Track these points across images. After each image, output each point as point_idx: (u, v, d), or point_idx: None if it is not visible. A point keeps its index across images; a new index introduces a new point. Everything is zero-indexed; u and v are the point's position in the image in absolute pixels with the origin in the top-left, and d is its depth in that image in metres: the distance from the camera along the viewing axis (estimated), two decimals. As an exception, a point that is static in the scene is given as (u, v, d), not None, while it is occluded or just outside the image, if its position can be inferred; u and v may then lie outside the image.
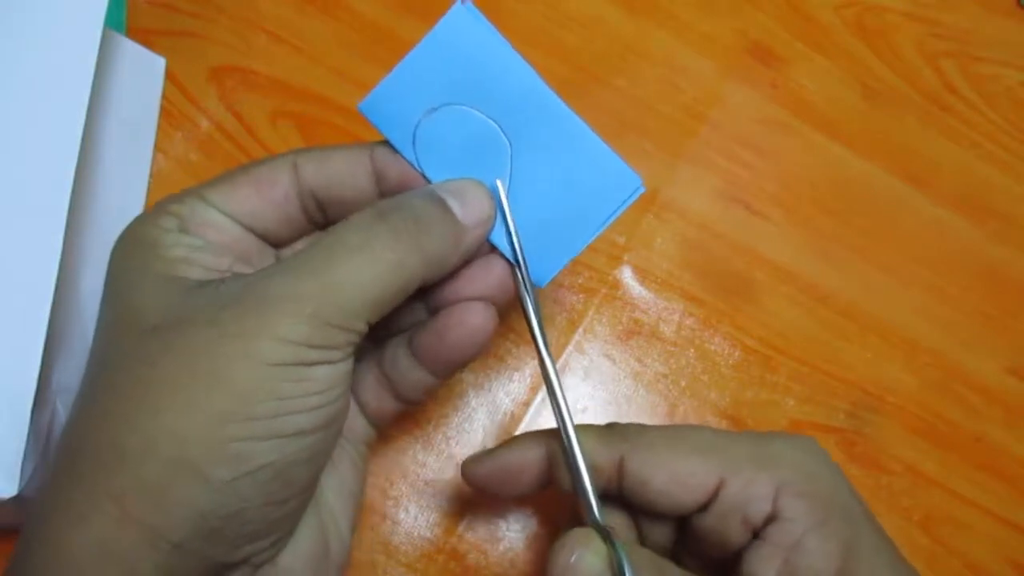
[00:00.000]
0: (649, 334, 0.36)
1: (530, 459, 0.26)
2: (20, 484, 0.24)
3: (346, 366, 0.21)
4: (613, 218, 0.25)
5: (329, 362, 0.20)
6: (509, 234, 0.24)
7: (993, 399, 0.37)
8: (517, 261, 0.25)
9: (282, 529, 0.21)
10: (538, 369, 0.35)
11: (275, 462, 0.19)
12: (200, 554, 0.19)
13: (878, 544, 0.23)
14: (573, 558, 0.21)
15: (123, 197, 0.34)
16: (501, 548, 0.32)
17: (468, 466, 0.26)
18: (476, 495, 0.32)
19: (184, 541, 0.19)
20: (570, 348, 0.35)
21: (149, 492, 0.18)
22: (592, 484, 0.23)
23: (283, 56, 0.37)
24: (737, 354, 0.36)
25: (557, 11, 0.40)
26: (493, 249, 0.25)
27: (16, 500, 0.25)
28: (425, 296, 0.25)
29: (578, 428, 0.24)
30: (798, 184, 0.39)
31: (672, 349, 0.36)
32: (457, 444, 0.33)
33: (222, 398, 0.19)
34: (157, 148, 0.36)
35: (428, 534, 0.32)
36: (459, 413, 0.34)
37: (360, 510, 0.27)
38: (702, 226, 0.38)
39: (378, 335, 0.25)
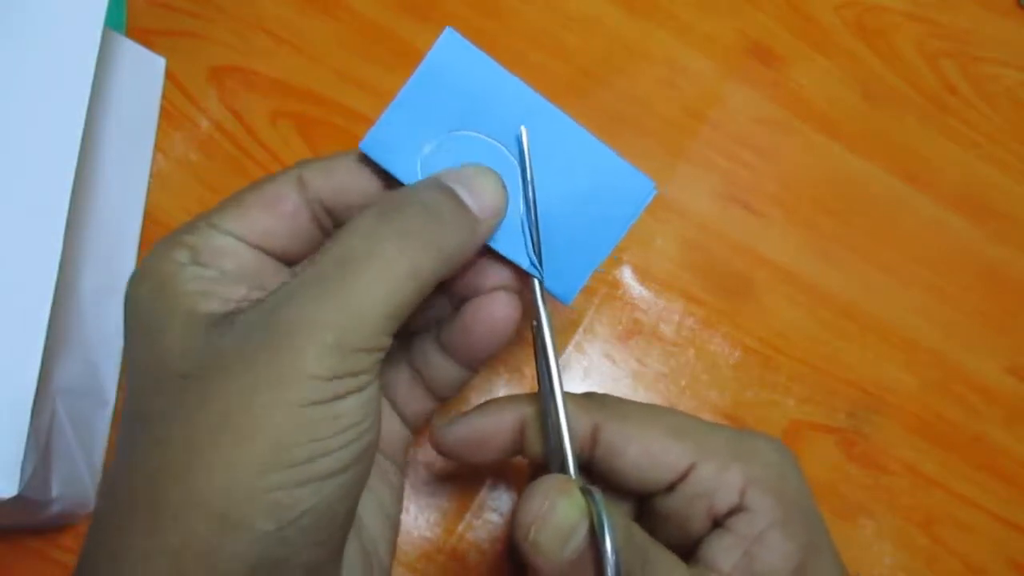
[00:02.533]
0: (649, 334, 0.36)
1: (502, 424, 0.25)
2: (20, 484, 0.24)
3: (374, 390, 0.20)
4: (630, 225, 0.24)
5: (359, 389, 0.20)
6: (528, 204, 0.23)
7: (993, 399, 0.37)
8: (531, 230, 0.24)
9: (331, 566, 0.21)
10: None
11: (316, 505, 0.19)
12: None
13: (832, 553, 0.24)
14: (547, 504, 0.20)
15: (123, 197, 0.34)
16: (501, 548, 0.32)
17: (439, 431, 0.26)
18: (476, 494, 0.32)
19: None
20: (570, 348, 0.35)
21: (201, 549, 0.18)
22: (573, 444, 0.22)
23: (283, 56, 0.37)
24: (737, 354, 0.36)
25: (557, 11, 0.40)
26: None
27: (16, 500, 0.25)
28: (445, 288, 0.24)
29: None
30: (798, 184, 0.39)
31: (672, 349, 0.36)
32: (457, 444, 0.33)
33: (261, 449, 0.18)
34: (157, 148, 0.36)
35: (428, 534, 0.32)
36: (459, 413, 0.34)
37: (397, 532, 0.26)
38: (702, 226, 0.38)
39: (404, 333, 0.24)
